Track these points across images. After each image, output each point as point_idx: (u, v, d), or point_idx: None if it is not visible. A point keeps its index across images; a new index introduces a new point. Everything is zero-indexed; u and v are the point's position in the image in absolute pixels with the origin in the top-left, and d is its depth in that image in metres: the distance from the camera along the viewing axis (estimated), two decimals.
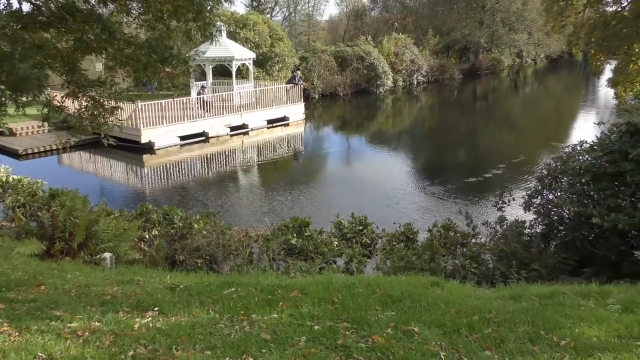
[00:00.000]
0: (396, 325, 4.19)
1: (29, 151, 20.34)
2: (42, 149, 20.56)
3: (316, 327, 4.14)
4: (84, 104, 7.26)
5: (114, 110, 7.59)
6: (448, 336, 4.03)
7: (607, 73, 17.09)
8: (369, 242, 10.24)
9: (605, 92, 18.51)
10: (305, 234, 10.09)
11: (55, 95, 7.49)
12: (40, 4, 6.29)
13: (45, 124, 7.55)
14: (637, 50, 13.62)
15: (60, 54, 6.58)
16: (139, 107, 20.57)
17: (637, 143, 6.88)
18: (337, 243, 9.87)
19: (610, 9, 15.26)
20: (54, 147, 20.27)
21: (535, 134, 27.30)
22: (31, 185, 12.53)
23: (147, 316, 4.50)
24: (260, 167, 20.70)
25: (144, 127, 21.02)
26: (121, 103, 7.84)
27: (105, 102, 7.42)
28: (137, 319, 4.40)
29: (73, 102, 7.28)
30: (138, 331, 4.11)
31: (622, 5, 14.78)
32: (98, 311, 4.61)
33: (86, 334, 4.03)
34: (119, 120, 8.26)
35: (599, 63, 15.96)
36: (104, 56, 7.18)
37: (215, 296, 5.05)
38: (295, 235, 9.98)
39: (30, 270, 6.36)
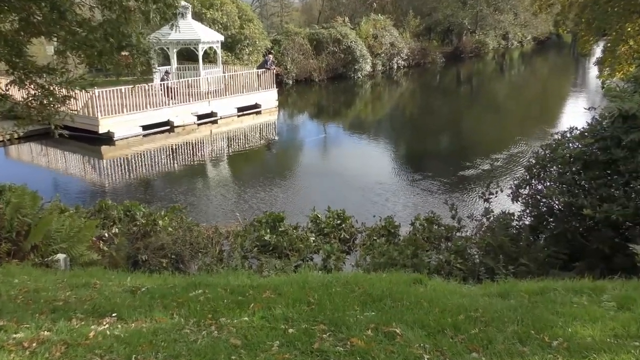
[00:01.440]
0: (376, 326, 4.16)
1: None
2: None
3: (290, 330, 4.09)
4: (32, 92, 7.06)
5: (65, 99, 7.39)
6: (432, 337, 4.01)
7: (597, 55, 17.31)
8: (347, 237, 10.26)
9: (596, 75, 18.78)
10: (280, 229, 10.08)
11: None
12: None
13: None
14: (629, 29, 13.80)
15: (4, 36, 6.37)
16: (96, 95, 20.20)
17: (630, 129, 6.93)
18: (313, 239, 9.87)
19: None
20: (0, 138, 19.76)
21: (523, 120, 27.63)
22: None
23: (104, 323, 4.39)
24: (231, 159, 20.55)
25: (102, 115, 20.67)
26: (74, 91, 7.63)
27: (56, 90, 7.22)
28: (92, 327, 4.28)
29: (20, 90, 7.07)
30: (93, 340, 3.99)
31: None
32: (48, 319, 4.46)
33: (34, 345, 3.88)
34: (72, 109, 8.05)
35: (587, 45, 16.17)
36: (54, 40, 6.97)
37: (180, 299, 4.97)
38: (268, 231, 9.95)
39: None
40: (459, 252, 7.91)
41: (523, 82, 43.54)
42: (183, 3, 24.18)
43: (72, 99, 7.59)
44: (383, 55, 43.10)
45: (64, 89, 7.33)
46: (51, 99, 7.17)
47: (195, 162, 20.06)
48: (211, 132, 24.03)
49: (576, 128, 8.17)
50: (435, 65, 48.14)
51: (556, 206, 7.82)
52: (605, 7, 13.52)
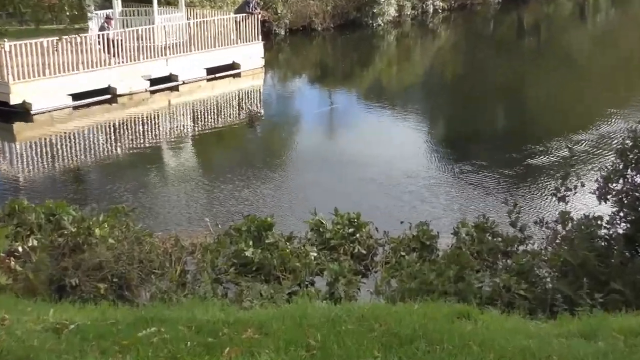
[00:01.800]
0: None
1: None
2: None
3: None
4: None
5: None
6: None
7: None
8: (363, 252, 10.23)
9: None
10: (267, 241, 10.06)
11: None
12: None
13: None
14: None
15: None
16: (7, 50, 20.21)
17: None
18: (315, 254, 9.86)
19: None
20: None
21: (614, 86, 27.58)
22: None
23: None
24: (198, 141, 20.62)
25: (14, 80, 20.69)
26: None
27: None
28: None
29: None
30: None
31: None
32: None
33: None
34: None
35: None
36: None
37: (124, 341, 5.00)
38: (251, 243, 9.92)
39: None
40: (523, 273, 7.91)
41: (613, 31, 43.41)
42: None
43: None
44: None
45: None
46: None
47: (148, 146, 20.11)
48: (169, 102, 24.11)
49: None
50: (487, 8, 48.06)
51: None
52: None
